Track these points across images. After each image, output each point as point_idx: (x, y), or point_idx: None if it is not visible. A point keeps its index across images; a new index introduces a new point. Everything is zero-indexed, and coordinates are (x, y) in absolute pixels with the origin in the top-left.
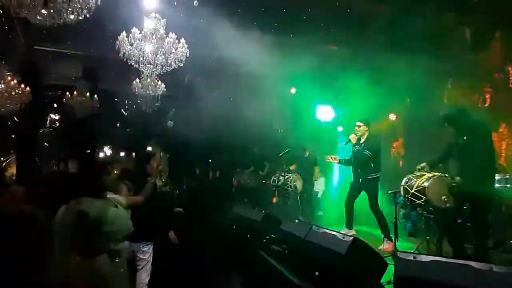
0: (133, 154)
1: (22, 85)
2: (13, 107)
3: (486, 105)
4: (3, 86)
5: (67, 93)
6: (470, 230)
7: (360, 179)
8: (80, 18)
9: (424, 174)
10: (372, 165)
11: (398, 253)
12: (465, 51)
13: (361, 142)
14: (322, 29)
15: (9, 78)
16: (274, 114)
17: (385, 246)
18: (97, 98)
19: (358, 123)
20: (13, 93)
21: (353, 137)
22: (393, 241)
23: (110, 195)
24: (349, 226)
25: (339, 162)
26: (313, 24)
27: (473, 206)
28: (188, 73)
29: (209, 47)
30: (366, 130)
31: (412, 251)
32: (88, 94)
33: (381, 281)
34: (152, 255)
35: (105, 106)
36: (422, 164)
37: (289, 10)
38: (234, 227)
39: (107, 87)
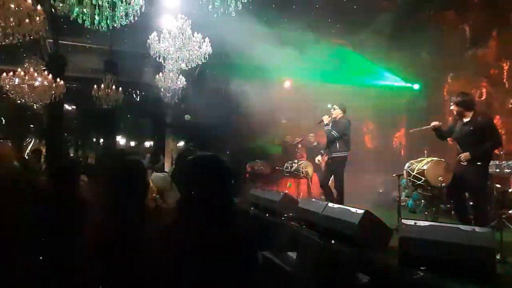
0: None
1: (57, 79)
2: (47, 101)
3: (483, 98)
4: (39, 80)
5: (95, 85)
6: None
7: (328, 158)
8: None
9: (424, 159)
10: (338, 145)
11: (403, 220)
12: (465, 48)
13: (331, 123)
14: (329, 23)
15: (45, 73)
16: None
17: None
18: (121, 90)
19: (333, 106)
20: (49, 87)
21: (325, 118)
22: None
23: None
24: None
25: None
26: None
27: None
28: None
29: (219, 41)
30: (340, 113)
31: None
32: (114, 87)
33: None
34: None
35: (128, 97)
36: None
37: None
38: (252, 208)
39: (130, 79)
